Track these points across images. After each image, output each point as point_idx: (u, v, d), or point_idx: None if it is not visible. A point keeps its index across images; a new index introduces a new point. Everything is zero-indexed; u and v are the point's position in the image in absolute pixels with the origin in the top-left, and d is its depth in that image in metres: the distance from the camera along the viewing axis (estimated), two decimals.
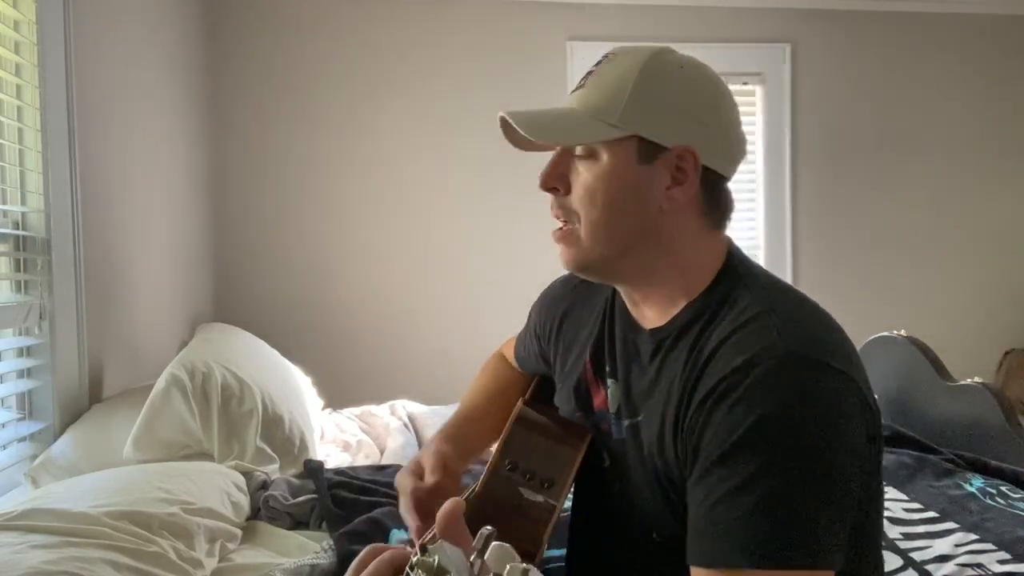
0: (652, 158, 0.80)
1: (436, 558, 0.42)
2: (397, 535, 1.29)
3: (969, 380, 1.93)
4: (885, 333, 2.21)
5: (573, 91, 0.85)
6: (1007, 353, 3.34)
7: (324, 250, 2.98)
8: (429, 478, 0.91)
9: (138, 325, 2.04)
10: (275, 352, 2.17)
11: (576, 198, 0.82)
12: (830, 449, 0.69)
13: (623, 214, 0.81)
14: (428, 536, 0.45)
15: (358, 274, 3.00)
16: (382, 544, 0.53)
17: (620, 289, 0.91)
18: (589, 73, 0.85)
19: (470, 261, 3.06)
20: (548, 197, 0.85)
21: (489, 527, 0.43)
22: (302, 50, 2.94)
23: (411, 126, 3.01)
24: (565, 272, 0.96)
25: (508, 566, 0.41)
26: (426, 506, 0.88)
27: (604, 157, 0.80)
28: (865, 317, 2.75)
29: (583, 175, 0.82)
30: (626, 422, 0.87)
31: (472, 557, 0.42)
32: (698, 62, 0.85)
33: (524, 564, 0.41)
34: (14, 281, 1.53)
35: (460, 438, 1.02)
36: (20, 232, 1.53)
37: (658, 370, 0.83)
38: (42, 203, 1.55)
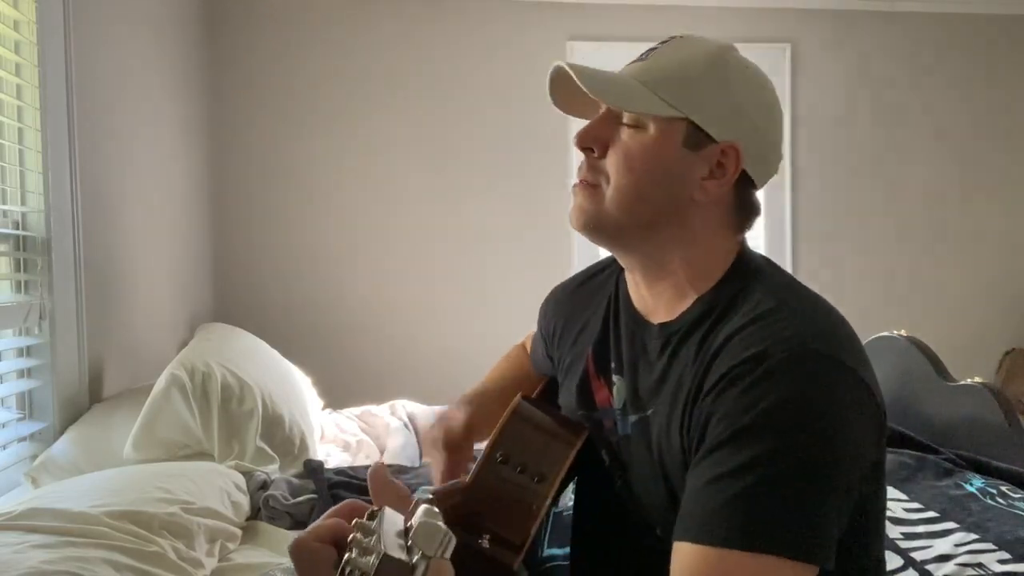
0: (698, 146, 0.80)
1: (376, 520, 0.48)
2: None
3: (969, 380, 1.92)
4: (885, 333, 2.21)
5: (631, 63, 0.85)
6: (1007, 353, 3.34)
7: (324, 250, 2.98)
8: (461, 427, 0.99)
9: (138, 325, 2.04)
10: (275, 352, 2.17)
11: (611, 162, 0.82)
12: (836, 444, 0.69)
13: (654, 188, 0.81)
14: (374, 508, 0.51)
15: (358, 274, 3.00)
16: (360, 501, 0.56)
17: (627, 268, 0.90)
18: (651, 50, 0.85)
19: (470, 260, 3.05)
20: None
21: (429, 493, 0.48)
22: (302, 51, 2.94)
23: (411, 126, 3.01)
24: (563, 272, 0.96)
25: (421, 508, 0.46)
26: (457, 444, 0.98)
27: (651, 130, 0.80)
28: (865, 317, 2.73)
29: (625, 141, 0.81)
30: (633, 417, 0.86)
31: (407, 521, 0.48)
32: (759, 68, 0.85)
33: (435, 508, 0.46)
34: (14, 281, 1.53)
35: (477, 405, 1.05)
36: (20, 232, 1.53)
37: (667, 365, 0.83)
38: (42, 203, 1.55)
